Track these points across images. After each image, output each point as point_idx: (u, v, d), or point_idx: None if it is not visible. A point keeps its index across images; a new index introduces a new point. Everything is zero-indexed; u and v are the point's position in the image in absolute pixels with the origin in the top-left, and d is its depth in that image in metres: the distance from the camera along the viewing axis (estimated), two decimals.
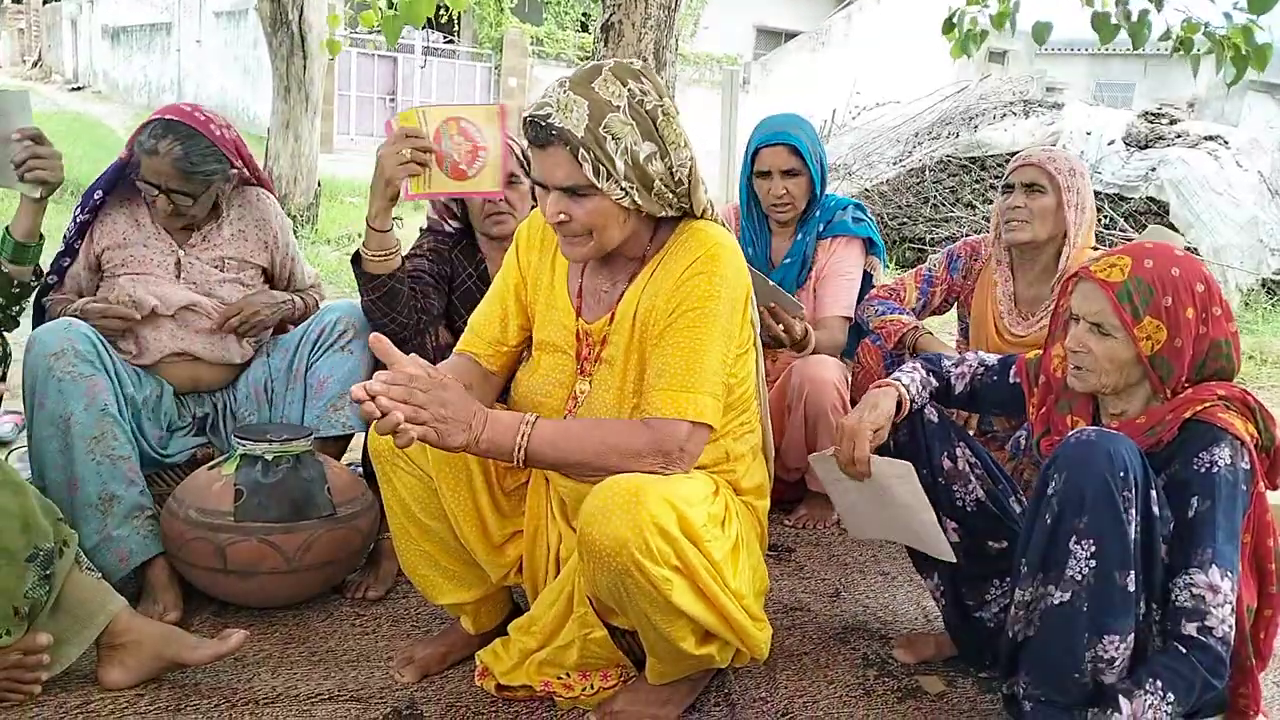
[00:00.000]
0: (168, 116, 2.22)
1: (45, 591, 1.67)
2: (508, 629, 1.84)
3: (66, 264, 2.33)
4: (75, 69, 23.97)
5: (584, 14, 17.23)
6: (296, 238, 2.77)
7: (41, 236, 2.12)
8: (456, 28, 16.78)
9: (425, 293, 2.35)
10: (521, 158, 2.36)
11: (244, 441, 2.04)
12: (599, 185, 1.53)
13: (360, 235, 2.10)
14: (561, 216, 1.58)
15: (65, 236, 2.32)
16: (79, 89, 22.36)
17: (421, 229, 2.57)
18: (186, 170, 2.19)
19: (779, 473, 2.68)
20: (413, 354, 1.51)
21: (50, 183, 2.05)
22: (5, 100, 2.08)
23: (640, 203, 1.58)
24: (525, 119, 1.55)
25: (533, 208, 2.34)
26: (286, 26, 7.05)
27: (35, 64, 27.07)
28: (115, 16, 21.70)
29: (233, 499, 1.97)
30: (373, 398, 1.41)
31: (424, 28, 17.42)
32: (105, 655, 1.76)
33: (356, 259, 2.16)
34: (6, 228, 2.10)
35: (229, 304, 2.32)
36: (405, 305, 2.21)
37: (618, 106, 1.53)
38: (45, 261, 2.21)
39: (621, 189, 1.55)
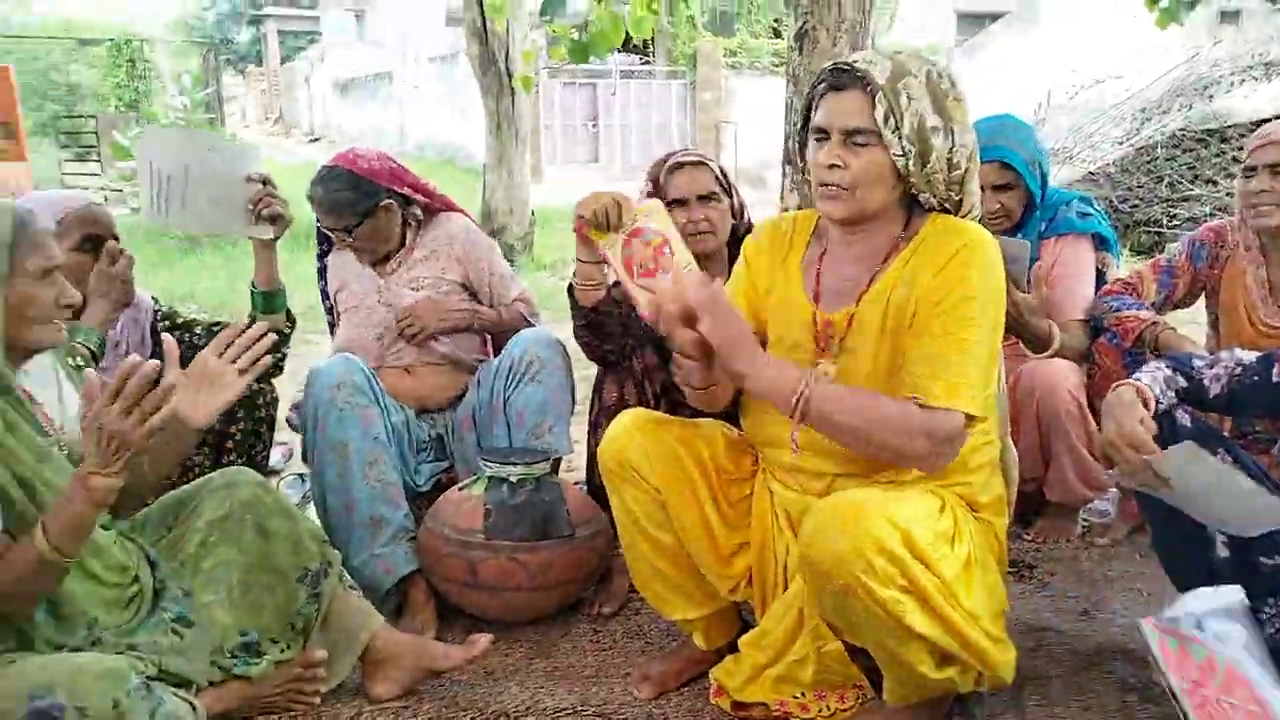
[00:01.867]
0: (321, 170, 2.48)
1: (315, 609, 1.84)
2: (738, 644, 1.86)
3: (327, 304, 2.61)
4: (311, 122, 26.22)
5: (776, 20, 17.16)
6: (514, 265, 2.92)
7: (282, 284, 2.32)
8: (650, 48, 17.12)
9: (633, 318, 2.41)
10: (721, 176, 2.38)
11: (490, 464, 2.17)
12: (882, 134, 1.57)
13: (573, 258, 2.19)
14: (836, 161, 1.62)
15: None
16: (315, 140, 24.45)
17: None
18: (333, 208, 2.42)
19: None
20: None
21: (282, 220, 2.22)
22: (238, 150, 2.29)
23: (912, 170, 1.61)
24: (827, 68, 1.64)
25: (733, 225, 2.37)
26: (494, 66, 7.44)
27: (276, 120, 29.87)
28: (343, 71, 23.63)
29: (482, 518, 2.10)
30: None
31: (618, 51, 17.89)
32: (370, 670, 1.91)
33: (571, 288, 2.26)
34: (251, 283, 2.30)
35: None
36: (612, 332, 2.27)
37: (916, 75, 1.60)
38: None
39: (901, 148, 1.59)
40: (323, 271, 2.66)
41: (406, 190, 2.52)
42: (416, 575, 2.20)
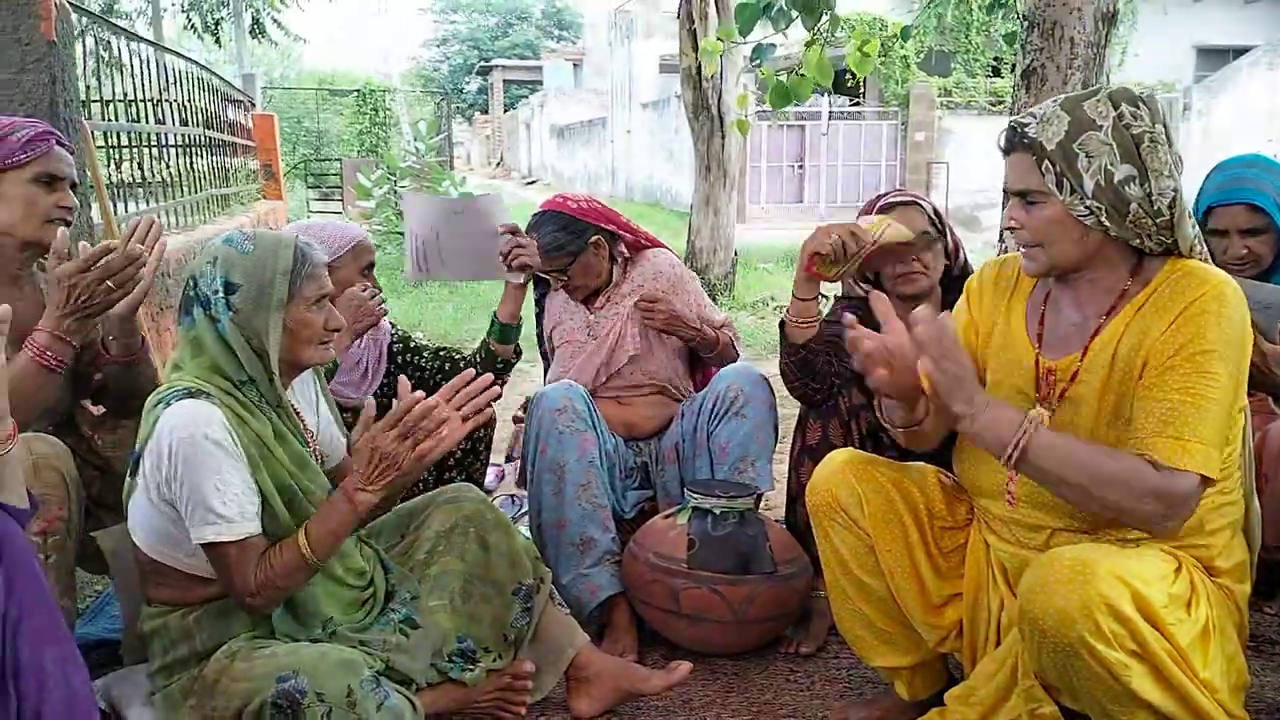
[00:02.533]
0: (535, 214, 2.62)
1: (526, 623, 1.93)
2: (944, 698, 1.80)
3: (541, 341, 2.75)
4: (529, 165, 27.63)
5: (995, 58, 16.62)
6: (716, 305, 3.00)
7: (521, 319, 2.49)
8: (861, 90, 16.97)
9: (840, 357, 2.40)
10: (934, 216, 2.34)
11: (696, 495, 2.21)
12: (1063, 200, 1.54)
13: (774, 300, 2.22)
14: (1012, 223, 1.62)
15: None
16: (532, 183, 25.75)
17: (836, 296, 2.64)
18: (547, 251, 2.52)
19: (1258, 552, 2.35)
20: (948, 315, 1.56)
21: (531, 268, 2.43)
22: (487, 202, 2.50)
23: (1109, 225, 1.54)
24: (1005, 129, 1.63)
25: (946, 267, 2.32)
26: (707, 110, 7.61)
27: (498, 164, 31.67)
28: (560, 117, 24.80)
29: (686, 547, 2.14)
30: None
31: (829, 92, 17.88)
32: (574, 686, 1.98)
33: (783, 325, 2.28)
34: (494, 313, 2.50)
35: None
36: (820, 371, 2.27)
37: (1100, 126, 1.53)
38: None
39: (1085, 207, 1.53)
40: (540, 312, 2.81)
41: (612, 227, 2.63)
42: (620, 599, 2.26)
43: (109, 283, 1.79)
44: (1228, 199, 2.36)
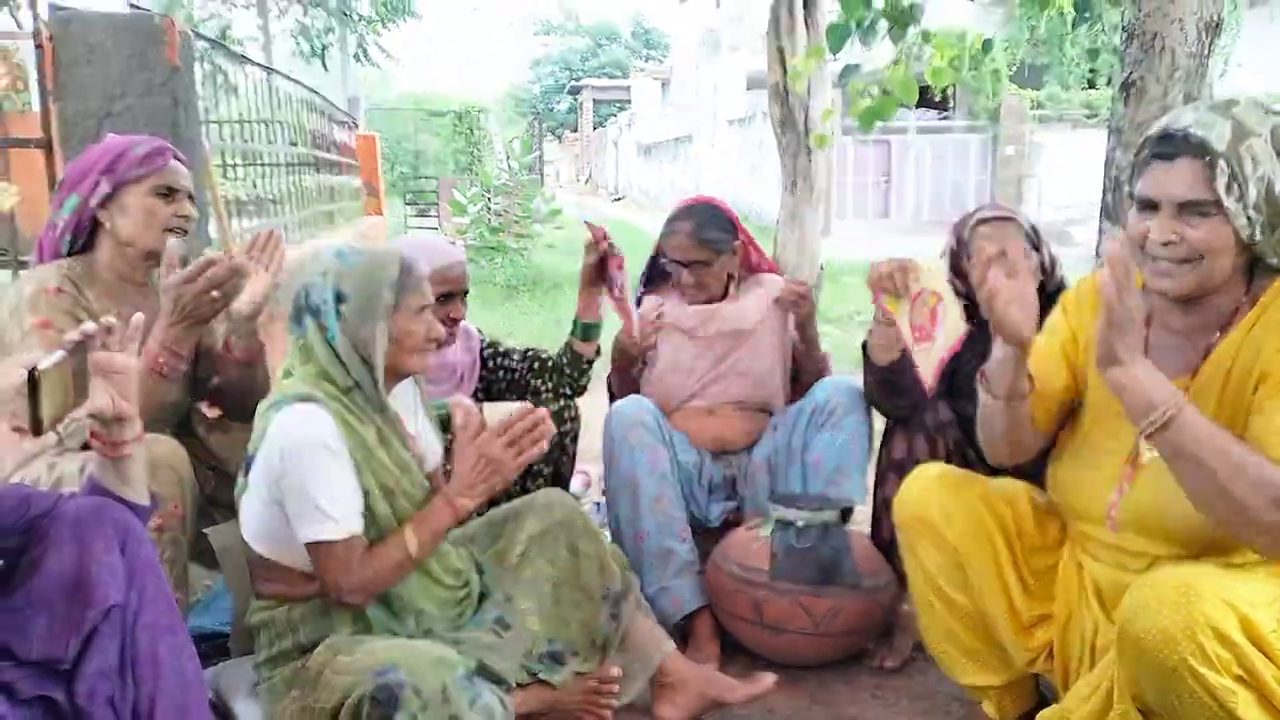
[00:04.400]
0: (685, 202, 2.64)
1: (614, 628, 1.96)
2: None
3: None
4: (616, 182, 27.90)
5: (1091, 70, 16.19)
6: None
7: (602, 317, 2.55)
8: (951, 103, 16.71)
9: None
10: (1032, 232, 2.31)
11: (778, 507, 2.23)
12: (1225, 203, 1.45)
13: (859, 314, 2.22)
14: (1172, 237, 1.49)
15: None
16: (619, 199, 25.99)
17: None
18: (699, 239, 2.53)
19: None
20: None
21: (615, 254, 2.47)
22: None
23: (1260, 239, 1.47)
24: (1154, 135, 1.52)
25: (1041, 282, 2.27)
26: (794, 126, 7.59)
27: (586, 180, 32.05)
28: (647, 135, 25.00)
29: (769, 559, 2.16)
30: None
31: (916, 106, 17.64)
32: (659, 692, 2.01)
33: (866, 344, 2.28)
34: (575, 315, 2.56)
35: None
36: (905, 390, 2.25)
37: (1260, 134, 1.46)
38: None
39: (1247, 217, 1.46)
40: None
41: (745, 241, 2.66)
42: (704, 609, 2.28)
43: (214, 293, 1.90)
44: None
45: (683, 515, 2.37)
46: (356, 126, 9.39)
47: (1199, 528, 1.52)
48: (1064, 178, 14.24)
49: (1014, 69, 15.78)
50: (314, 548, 1.68)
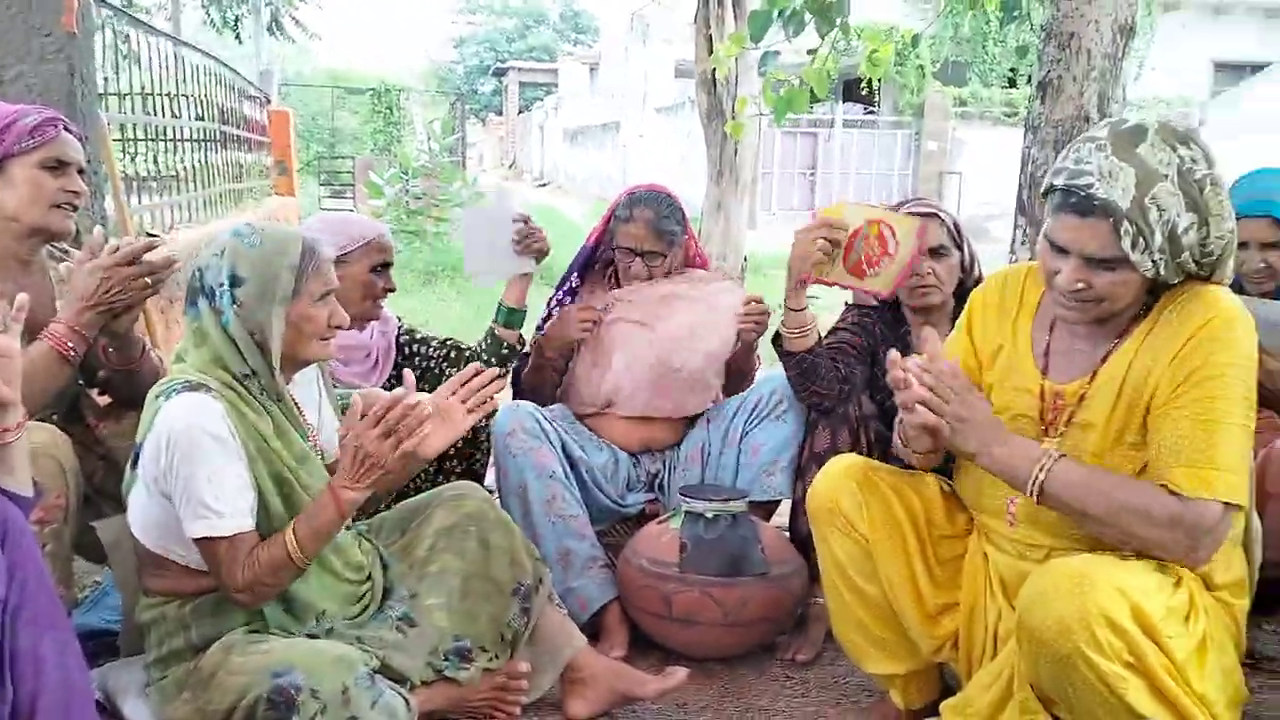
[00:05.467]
0: (639, 189, 2.59)
1: (524, 623, 1.93)
2: (940, 709, 1.79)
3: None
4: (541, 168, 27.70)
5: (1011, 69, 16.59)
6: None
7: (526, 306, 2.51)
8: (876, 98, 16.97)
9: (848, 363, 2.40)
10: (953, 229, 2.33)
11: (688, 499, 2.21)
12: (1131, 257, 1.47)
13: (780, 307, 2.22)
14: (1080, 285, 1.52)
15: (549, 311, 2.66)
16: (544, 185, 25.80)
17: (846, 303, 2.63)
18: (658, 229, 2.50)
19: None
20: (956, 359, 1.58)
21: (543, 253, 2.45)
22: (503, 196, 2.50)
23: (1162, 274, 1.50)
24: (1060, 186, 1.51)
25: (961, 280, 2.31)
26: (720, 116, 7.61)
27: (510, 165, 31.76)
28: (573, 120, 24.85)
29: (678, 551, 2.14)
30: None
31: (842, 101, 17.88)
32: (569, 688, 1.98)
33: (778, 338, 2.27)
34: (500, 300, 2.51)
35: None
36: (825, 378, 2.26)
37: (1166, 175, 1.46)
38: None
39: (1152, 262, 1.48)
40: (562, 306, 2.68)
41: (690, 234, 2.64)
42: (613, 602, 2.26)
43: (146, 279, 1.80)
44: (1252, 211, 2.36)
45: (580, 512, 2.33)
46: (269, 102, 9.11)
47: None
48: (985, 174, 14.58)
49: (937, 66, 16.08)
50: (201, 544, 1.61)
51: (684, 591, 2.11)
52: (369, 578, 1.84)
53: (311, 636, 1.70)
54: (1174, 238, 1.46)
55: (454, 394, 1.78)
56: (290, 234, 1.72)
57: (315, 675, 1.51)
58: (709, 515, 2.17)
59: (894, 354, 1.56)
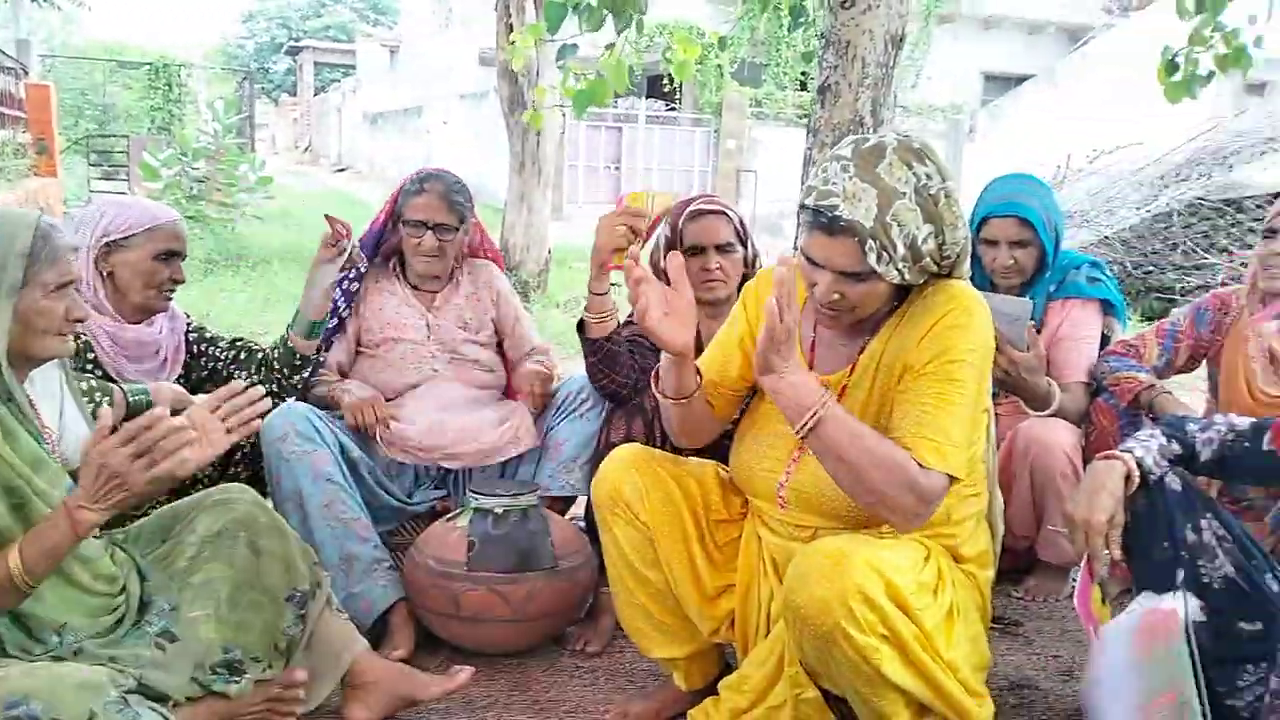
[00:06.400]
0: (427, 169, 2.56)
1: (300, 630, 1.85)
2: (718, 687, 1.85)
3: (332, 325, 2.50)
4: (339, 152, 26.61)
5: (803, 73, 17.36)
6: (528, 303, 2.97)
7: (328, 314, 2.39)
8: (678, 95, 17.34)
9: (644, 354, 2.44)
10: (739, 227, 2.41)
11: (476, 496, 2.19)
12: (878, 270, 1.56)
13: (585, 298, 2.24)
14: (835, 296, 1.62)
15: (334, 304, 2.51)
16: (342, 170, 24.81)
17: None
18: (450, 201, 2.47)
19: (1005, 541, 2.56)
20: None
21: (350, 250, 2.34)
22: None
23: (908, 279, 1.60)
24: (810, 205, 1.59)
25: (745, 275, 2.39)
26: (523, 106, 7.56)
27: (305, 149, 30.35)
28: (373, 104, 24.02)
29: (465, 549, 2.11)
30: None
31: (646, 97, 18.17)
32: (350, 694, 1.91)
33: (582, 325, 2.29)
34: (299, 307, 2.37)
35: (533, 376, 2.49)
36: (625, 366, 2.30)
37: (904, 193, 1.55)
38: None
39: (897, 270, 1.57)
40: (351, 296, 2.57)
41: (478, 223, 2.59)
42: (398, 602, 2.20)
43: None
44: (1001, 211, 2.55)
45: (362, 515, 2.25)
46: (26, 74, 8.31)
47: (853, 505, 1.65)
48: (779, 173, 15.15)
49: (735, 66, 16.60)
50: None
51: (471, 590, 2.09)
52: (123, 590, 1.70)
53: (57, 658, 1.55)
54: (915, 247, 1.57)
55: (215, 410, 1.64)
56: (21, 218, 1.56)
57: (55, 703, 1.37)
58: (498, 511, 2.15)
59: (780, 269, 1.51)
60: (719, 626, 1.85)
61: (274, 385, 2.35)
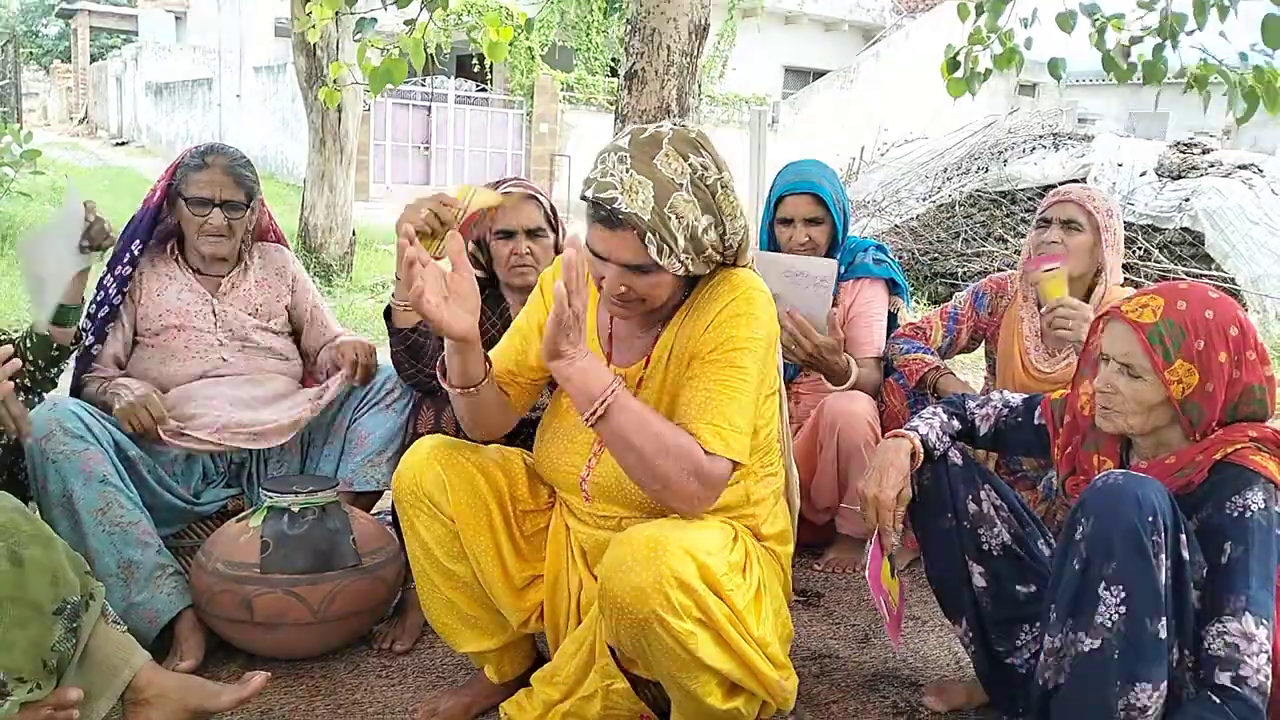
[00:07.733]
0: (206, 143, 2.40)
1: (72, 645, 1.69)
2: (530, 679, 1.83)
3: (104, 314, 2.32)
4: (120, 124, 24.66)
5: (613, 59, 17.47)
6: (331, 287, 2.85)
7: (83, 299, 2.18)
8: (489, 76, 17.08)
9: None
10: (550, 212, 2.38)
11: (270, 494, 2.07)
12: (660, 262, 1.56)
13: (395, 282, 2.15)
14: (623, 289, 1.61)
15: (104, 292, 2.34)
16: (123, 144, 22.97)
17: None
18: (237, 175, 2.32)
19: (808, 514, 2.67)
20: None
21: (105, 247, 2.13)
22: (70, 198, 2.08)
23: (693, 270, 1.61)
24: (589, 198, 1.56)
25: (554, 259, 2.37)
26: (321, 81, 7.21)
27: (82, 120, 27.90)
28: (159, 73, 22.36)
29: (259, 551, 1.99)
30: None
31: (456, 76, 17.78)
32: (132, 710, 1.77)
33: (389, 313, 2.20)
34: None
35: (356, 345, 2.37)
36: (431, 356, 2.23)
37: (680, 185, 1.55)
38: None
39: (680, 262, 1.57)
40: (125, 280, 2.35)
41: (264, 204, 2.45)
42: (185, 610, 2.06)
43: None
44: (796, 189, 2.68)
45: (142, 518, 2.09)
46: None
47: None
48: (593, 158, 15.22)
49: (546, 50, 16.51)
50: None
51: (266, 593, 1.97)
52: None
53: None
54: (696, 239, 1.58)
55: None
56: None
57: None
58: (294, 509, 2.04)
59: (569, 252, 1.49)
60: (528, 617, 1.83)
61: (27, 380, 2.14)
